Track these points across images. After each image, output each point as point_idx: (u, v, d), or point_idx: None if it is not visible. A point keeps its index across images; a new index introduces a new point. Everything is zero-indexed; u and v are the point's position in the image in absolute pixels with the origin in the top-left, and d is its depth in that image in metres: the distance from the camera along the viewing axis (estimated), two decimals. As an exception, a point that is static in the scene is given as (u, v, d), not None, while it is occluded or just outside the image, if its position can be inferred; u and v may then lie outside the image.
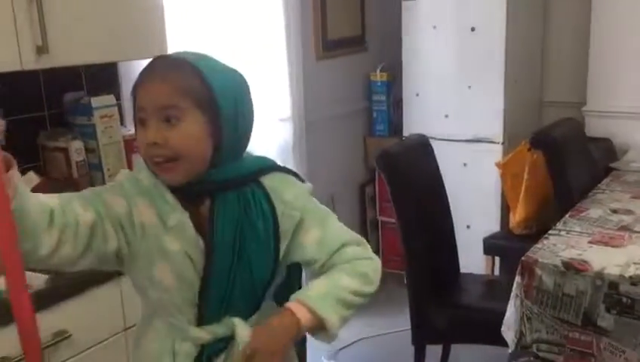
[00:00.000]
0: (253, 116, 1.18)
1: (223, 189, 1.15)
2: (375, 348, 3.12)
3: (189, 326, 1.15)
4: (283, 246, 1.17)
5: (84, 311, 1.61)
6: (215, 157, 1.13)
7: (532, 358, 1.85)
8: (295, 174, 1.25)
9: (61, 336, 1.54)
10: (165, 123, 1.09)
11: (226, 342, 1.15)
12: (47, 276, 1.55)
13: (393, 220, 3.69)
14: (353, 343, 3.11)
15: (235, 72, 1.17)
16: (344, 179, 3.59)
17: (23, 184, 1.00)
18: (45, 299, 1.53)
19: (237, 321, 1.14)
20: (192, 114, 1.09)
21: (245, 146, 1.19)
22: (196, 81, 1.09)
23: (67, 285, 1.58)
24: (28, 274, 1.55)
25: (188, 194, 1.15)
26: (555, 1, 3.44)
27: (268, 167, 1.21)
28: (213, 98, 1.10)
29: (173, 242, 1.12)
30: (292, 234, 1.18)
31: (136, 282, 1.19)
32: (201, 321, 1.15)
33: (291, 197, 1.18)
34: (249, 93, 1.17)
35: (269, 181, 1.19)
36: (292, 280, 1.28)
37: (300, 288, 1.24)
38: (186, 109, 1.09)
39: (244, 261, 1.14)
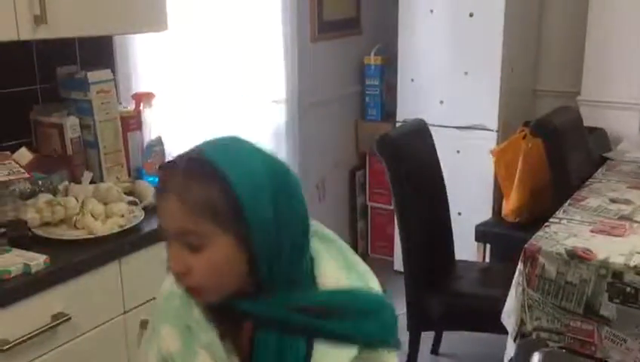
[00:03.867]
0: (303, 221, 0.97)
1: (265, 324, 0.96)
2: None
3: None
4: None
5: (84, 294, 1.56)
6: (255, 274, 0.94)
7: (556, 348, 1.84)
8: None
9: (60, 319, 1.48)
10: (188, 248, 0.92)
11: None
12: (45, 256, 1.49)
13: (383, 206, 3.71)
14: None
15: (273, 163, 0.95)
16: (335, 163, 3.55)
17: None
18: (44, 281, 1.47)
19: None
20: (216, 238, 0.91)
21: (301, 261, 0.97)
22: (215, 190, 0.90)
23: (66, 267, 1.52)
24: (26, 253, 1.50)
25: (224, 314, 0.99)
26: (552, -11, 3.43)
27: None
28: (239, 209, 0.90)
29: None
30: None
31: None
32: None
33: None
34: (293, 192, 0.95)
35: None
36: None
37: None
38: (207, 234, 0.91)
39: None
